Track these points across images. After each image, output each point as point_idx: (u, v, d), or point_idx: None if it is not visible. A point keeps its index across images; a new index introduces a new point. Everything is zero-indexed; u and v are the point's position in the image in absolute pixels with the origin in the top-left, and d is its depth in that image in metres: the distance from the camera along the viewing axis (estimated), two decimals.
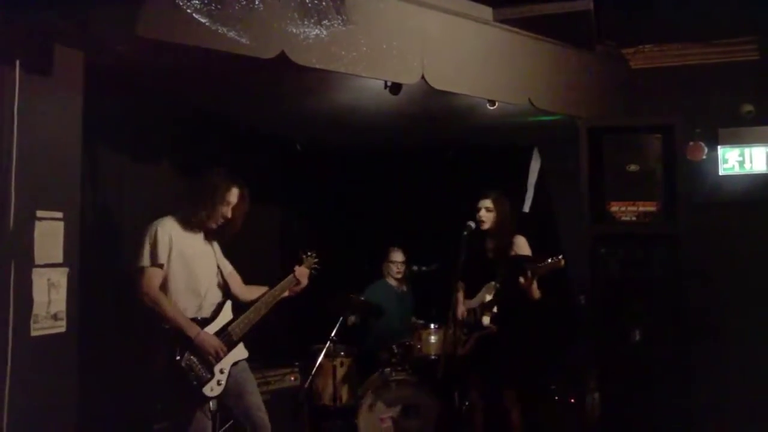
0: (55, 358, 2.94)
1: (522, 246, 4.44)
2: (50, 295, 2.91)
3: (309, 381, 4.37)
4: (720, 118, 4.68)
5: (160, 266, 3.44)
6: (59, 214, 2.96)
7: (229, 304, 3.65)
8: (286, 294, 3.80)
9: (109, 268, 3.81)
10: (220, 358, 3.49)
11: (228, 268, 3.81)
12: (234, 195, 3.60)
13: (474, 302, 4.41)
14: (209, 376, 3.44)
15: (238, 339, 3.60)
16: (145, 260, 3.43)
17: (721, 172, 4.67)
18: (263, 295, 3.73)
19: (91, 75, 3.08)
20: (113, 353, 3.77)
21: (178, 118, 4.46)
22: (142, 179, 4.21)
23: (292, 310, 3.99)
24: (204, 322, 3.51)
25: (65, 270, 2.98)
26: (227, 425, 3.73)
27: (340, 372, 4.72)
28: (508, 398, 4.34)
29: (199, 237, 3.64)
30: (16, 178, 2.76)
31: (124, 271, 3.79)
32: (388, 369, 4.77)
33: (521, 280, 4.12)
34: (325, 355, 4.45)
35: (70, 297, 2.99)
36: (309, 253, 3.99)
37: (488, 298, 4.34)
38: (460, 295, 4.45)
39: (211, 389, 3.44)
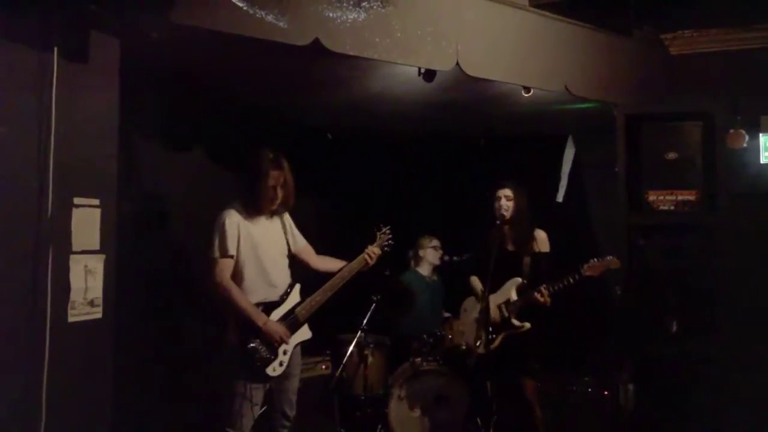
0: (91, 344, 2.96)
1: (543, 241, 4.39)
2: (87, 281, 2.92)
3: (340, 370, 4.36)
4: (762, 105, 4.54)
5: (231, 257, 3.51)
6: (96, 201, 2.97)
7: (297, 287, 3.71)
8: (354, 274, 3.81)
9: (145, 255, 3.84)
10: (286, 343, 3.57)
11: (301, 242, 3.86)
12: (274, 177, 3.59)
13: (498, 297, 4.34)
14: (273, 357, 3.54)
15: (304, 320, 3.68)
16: (216, 252, 3.51)
17: (762, 161, 4.54)
18: (333, 276, 3.76)
19: (127, 62, 3.08)
20: (148, 340, 3.81)
21: (209, 105, 4.48)
22: (176, 167, 4.23)
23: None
24: (273, 306, 3.59)
25: (102, 257, 2.99)
26: (263, 408, 3.73)
27: (371, 361, 4.71)
28: (530, 393, 4.29)
29: (263, 219, 3.67)
30: (54, 164, 2.78)
31: (159, 259, 3.82)
32: (419, 359, 4.74)
33: (538, 296, 4.11)
34: (356, 344, 4.44)
35: (106, 284, 3.01)
36: (383, 229, 3.98)
37: (514, 296, 4.27)
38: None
39: (274, 369, 3.56)
